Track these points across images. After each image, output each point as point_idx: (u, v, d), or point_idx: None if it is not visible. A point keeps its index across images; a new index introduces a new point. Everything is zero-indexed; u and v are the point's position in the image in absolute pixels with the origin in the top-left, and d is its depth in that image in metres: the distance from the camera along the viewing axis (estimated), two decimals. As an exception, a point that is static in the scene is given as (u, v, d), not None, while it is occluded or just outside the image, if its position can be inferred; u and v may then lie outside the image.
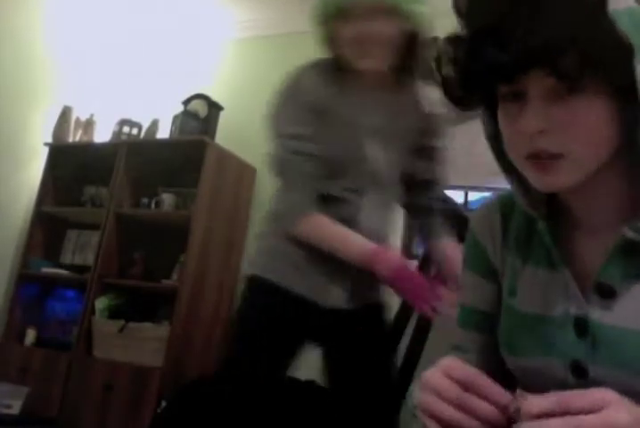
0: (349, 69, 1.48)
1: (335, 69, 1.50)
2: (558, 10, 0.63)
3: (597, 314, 0.73)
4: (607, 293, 0.73)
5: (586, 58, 0.63)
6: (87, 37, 3.50)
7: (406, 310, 2.01)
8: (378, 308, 1.66)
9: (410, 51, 1.51)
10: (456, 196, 2.86)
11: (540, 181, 0.71)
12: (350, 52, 1.44)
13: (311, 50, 1.55)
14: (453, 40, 0.72)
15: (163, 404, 2.59)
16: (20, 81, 3.22)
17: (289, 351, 1.57)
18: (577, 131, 0.67)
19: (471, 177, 2.97)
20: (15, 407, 2.80)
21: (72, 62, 3.44)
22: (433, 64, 0.77)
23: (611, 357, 0.71)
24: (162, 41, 3.76)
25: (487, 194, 3.24)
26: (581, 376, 0.73)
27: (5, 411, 2.76)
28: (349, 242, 1.46)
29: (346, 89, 1.50)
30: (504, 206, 0.88)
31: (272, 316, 1.54)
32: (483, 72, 0.68)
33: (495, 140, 0.78)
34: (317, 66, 1.52)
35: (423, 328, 1.94)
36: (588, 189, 0.74)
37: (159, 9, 3.63)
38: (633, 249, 0.72)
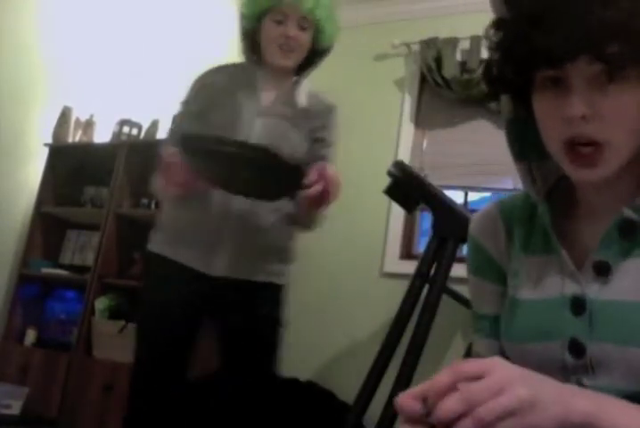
0: (264, 62, 1.74)
1: (249, 61, 1.78)
2: None
3: (594, 291, 0.75)
4: (603, 271, 0.74)
5: (632, 46, 0.64)
6: (87, 37, 3.50)
7: (408, 307, 2.01)
8: (269, 287, 1.71)
9: (308, 57, 1.78)
10: (456, 196, 2.86)
11: (578, 174, 0.73)
12: (273, 49, 1.69)
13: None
14: (500, 24, 0.73)
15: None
16: (20, 81, 3.22)
17: (187, 323, 1.68)
18: (616, 119, 0.69)
19: (471, 177, 2.97)
20: (15, 408, 2.80)
21: (72, 62, 3.44)
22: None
23: (607, 331, 0.72)
24: (162, 41, 3.76)
25: (487, 194, 3.24)
26: (579, 355, 0.74)
27: (5, 411, 2.76)
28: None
29: (248, 77, 1.75)
30: (504, 209, 0.89)
31: (161, 286, 1.67)
32: (529, 57, 0.69)
33: (513, 125, 0.79)
34: (230, 64, 1.81)
35: (426, 324, 1.94)
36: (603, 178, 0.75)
37: (160, 9, 3.63)
38: (630, 227, 0.74)
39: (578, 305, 0.75)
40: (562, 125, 0.70)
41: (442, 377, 0.56)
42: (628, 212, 0.73)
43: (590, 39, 0.64)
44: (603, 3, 0.64)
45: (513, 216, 0.87)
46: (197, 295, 1.65)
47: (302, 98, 1.76)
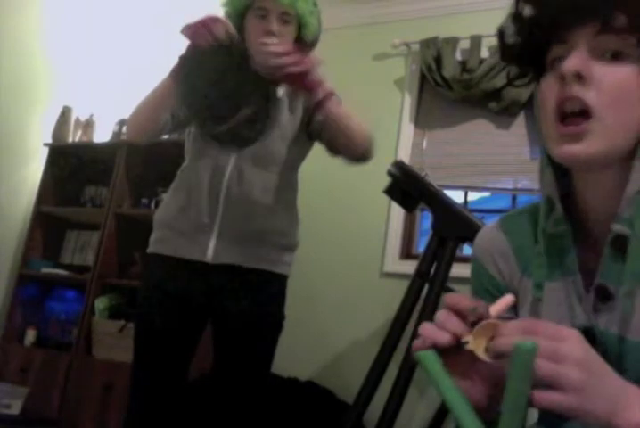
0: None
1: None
2: None
3: (602, 321, 0.72)
4: (605, 296, 0.71)
5: (636, 20, 0.66)
6: (87, 37, 3.50)
7: (408, 307, 2.01)
8: (268, 276, 1.67)
9: None
10: (456, 196, 2.86)
11: (565, 149, 0.70)
12: (257, 47, 1.62)
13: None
14: None
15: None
16: (20, 81, 3.22)
17: (190, 321, 1.67)
18: (612, 92, 0.68)
19: (471, 177, 2.97)
20: (15, 407, 2.80)
21: (72, 62, 3.44)
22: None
23: (619, 366, 0.68)
24: (162, 41, 3.76)
25: (486, 194, 3.24)
26: None
27: (5, 411, 2.76)
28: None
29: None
30: (505, 225, 0.87)
31: (155, 283, 1.66)
32: (537, 23, 0.71)
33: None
34: None
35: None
36: (606, 186, 0.73)
37: (159, 9, 3.63)
38: (623, 244, 0.70)
39: (588, 337, 0.69)
40: (557, 87, 0.70)
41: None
42: (617, 227, 0.69)
43: (597, 5, 0.66)
44: None
45: (517, 231, 0.84)
46: (196, 287, 1.63)
47: (282, 90, 1.74)
